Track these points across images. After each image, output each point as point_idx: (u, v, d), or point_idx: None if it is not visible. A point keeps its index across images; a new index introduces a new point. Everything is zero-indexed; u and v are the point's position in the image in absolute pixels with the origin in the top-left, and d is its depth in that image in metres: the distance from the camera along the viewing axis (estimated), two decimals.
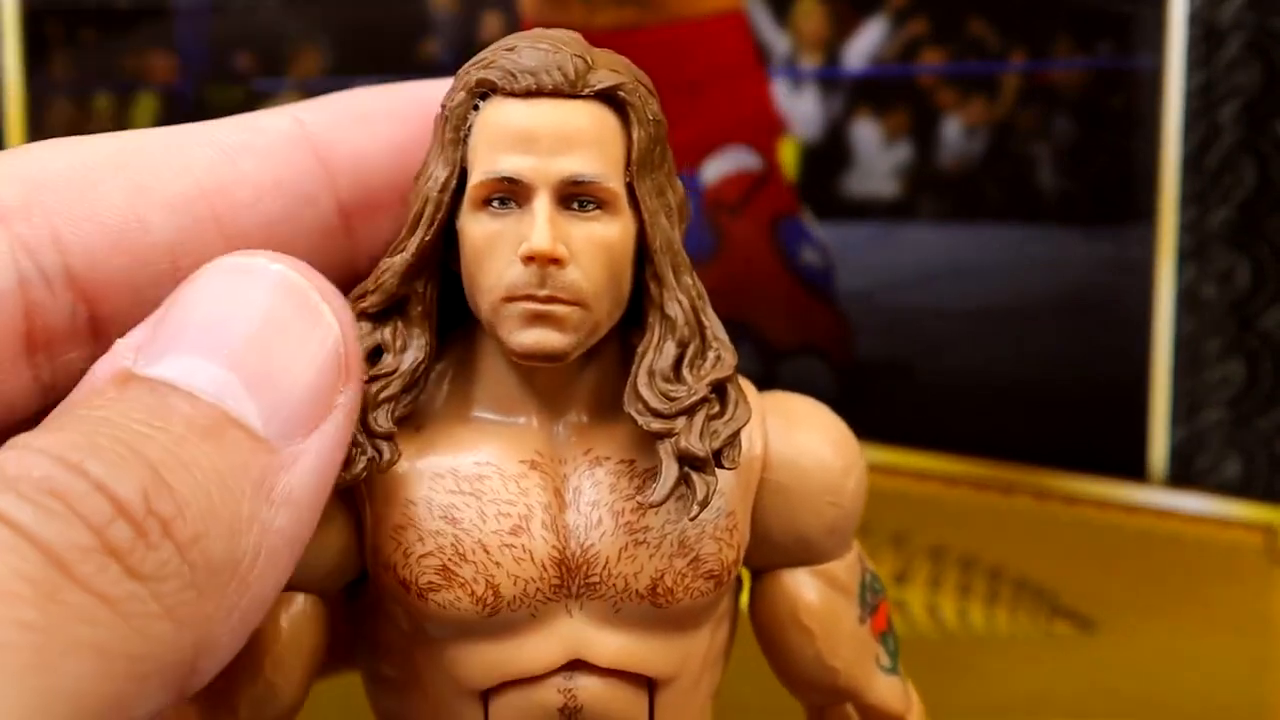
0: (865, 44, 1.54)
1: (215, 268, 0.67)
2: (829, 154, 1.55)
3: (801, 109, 1.55)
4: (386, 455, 0.71)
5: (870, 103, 1.55)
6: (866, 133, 1.55)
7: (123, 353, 0.64)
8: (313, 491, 0.65)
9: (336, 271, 0.79)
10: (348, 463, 0.70)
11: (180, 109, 1.52)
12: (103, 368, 0.65)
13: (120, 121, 1.50)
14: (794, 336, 1.55)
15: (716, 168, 1.51)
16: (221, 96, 1.52)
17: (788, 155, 1.56)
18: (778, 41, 1.54)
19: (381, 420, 0.72)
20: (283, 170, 0.77)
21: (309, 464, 0.65)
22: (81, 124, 1.50)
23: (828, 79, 1.55)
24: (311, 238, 0.78)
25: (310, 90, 1.53)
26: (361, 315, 0.74)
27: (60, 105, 1.49)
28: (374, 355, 0.73)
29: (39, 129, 1.46)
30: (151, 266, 0.72)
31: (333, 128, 0.79)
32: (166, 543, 0.58)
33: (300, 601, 0.74)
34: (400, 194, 0.78)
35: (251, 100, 1.53)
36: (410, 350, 0.74)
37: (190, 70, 1.52)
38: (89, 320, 0.72)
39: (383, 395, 0.72)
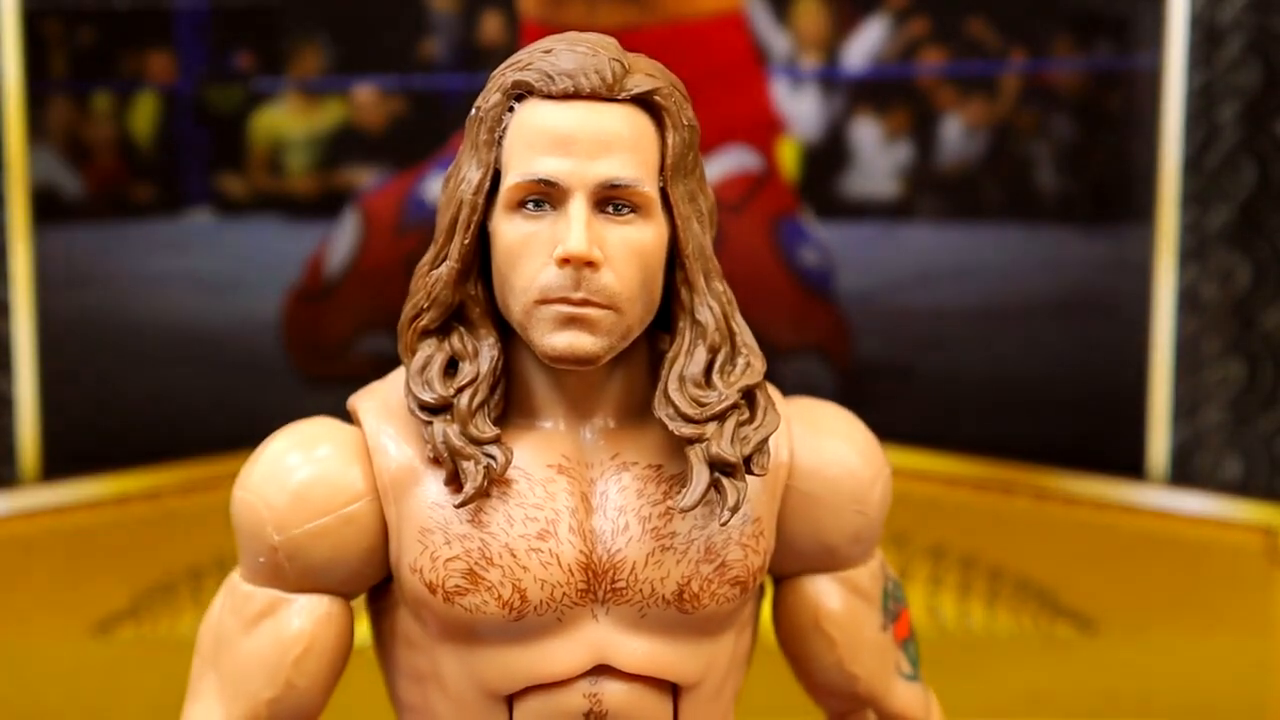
0: (865, 44, 1.54)
1: None
2: (829, 154, 1.55)
3: (801, 109, 1.55)
4: (500, 458, 0.72)
5: (870, 103, 1.55)
6: (866, 133, 1.55)
7: None
8: None
9: None
10: (465, 480, 0.71)
11: (180, 109, 1.52)
12: None
13: (120, 121, 1.50)
14: (794, 336, 1.55)
15: (716, 168, 1.51)
16: (221, 96, 1.52)
17: (788, 155, 1.56)
18: (778, 41, 1.54)
19: (483, 426, 0.72)
20: None
21: None
22: (81, 123, 1.49)
23: (828, 79, 1.55)
24: None
25: (310, 90, 1.52)
26: (424, 333, 0.74)
27: (60, 105, 1.49)
28: (450, 367, 0.73)
29: (39, 129, 1.45)
30: None
31: None
32: None
33: (324, 604, 0.74)
34: None
35: (251, 100, 1.52)
36: (483, 351, 0.74)
37: (190, 70, 1.51)
38: None
39: (476, 403, 0.72)
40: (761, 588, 0.78)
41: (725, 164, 1.54)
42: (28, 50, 1.43)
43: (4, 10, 1.41)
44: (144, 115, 1.51)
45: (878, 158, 1.54)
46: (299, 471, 0.74)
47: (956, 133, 1.54)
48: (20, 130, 1.43)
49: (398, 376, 0.76)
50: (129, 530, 1.47)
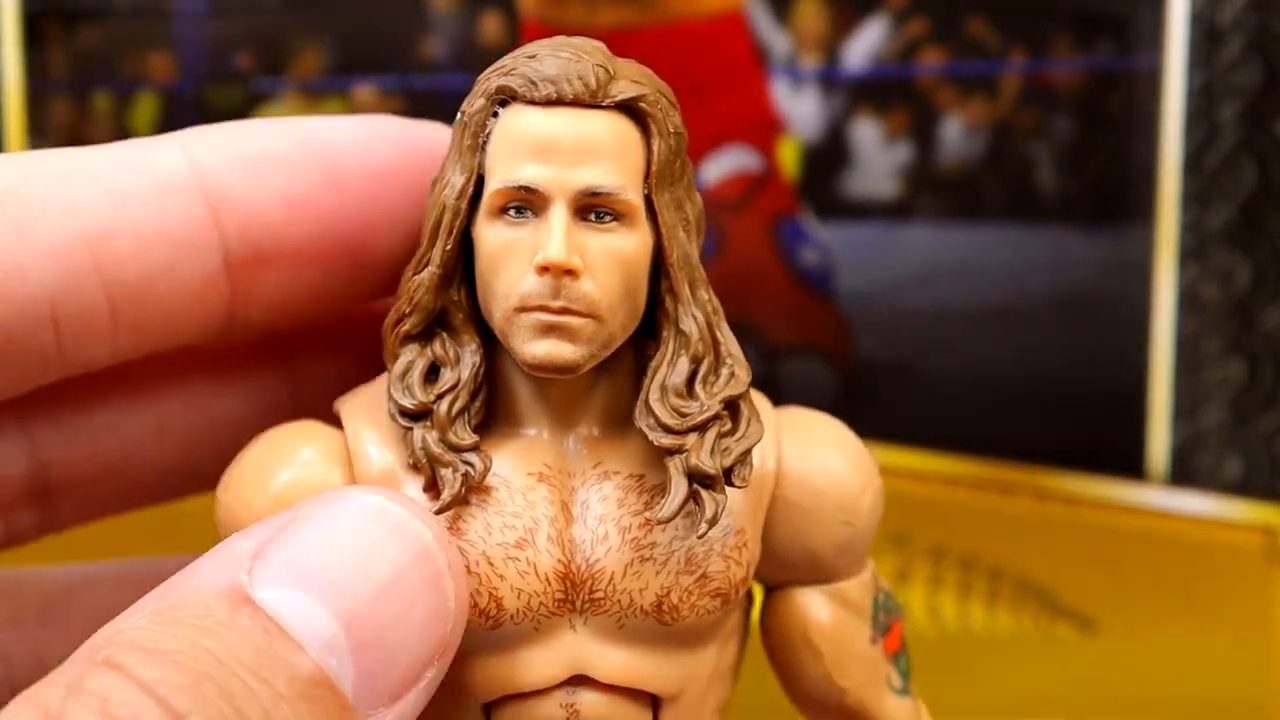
0: (865, 44, 1.54)
1: (356, 502, 0.65)
2: (829, 154, 1.55)
3: (801, 109, 1.55)
4: (479, 466, 0.71)
5: (870, 103, 1.54)
6: (866, 133, 1.55)
7: (239, 558, 0.62)
8: None
9: (214, 321, 0.76)
10: (443, 487, 0.70)
11: (180, 109, 1.52)
12: (216, 570, 0.62)
13: (120, 121, 1.50)
14: (794, 336, 1.55)
15: (716, 168, 1.51)
16: (221, 96, 1.52)
17: (788, 155, 1.56)
18: (778, 41, 1.54)
19: (462, 433, 0.72)
20: (170, 218, 0.73)
21: None
22: (81, 124, 1.49)
23: (828, 79, 1.55)
24: (192, 286, 0.75)
25: (310, 90, 1.52)
26: (406, 338, 0.74)
27: (60, 105, 1.49)
28: (432, 373, 0.73)
29: (39, 129, 1.46)
30: (29, 316, 0.69)
31: (225, 173, 0.75)
32: None
33: None
34: (288, 249, 0.76)
35: (251, 100, 1.52)
36: (465, 358, 0.73)
37: (190, 70, 1.51)
38: None
39: (455, 409, 0.72)
40: (750, 598, 0.78)
41: (725, 164, 1.54)
42: (28, 50, 1.43)
43: (4, 10, 1.42)
44: (144, 115, 1.51)
45: (878, 158, 1.54)
46: (280, 474, 0.73)
47: (956, 133, 1.53)
48: (20, 130, 1.43)
49: (383, 380, 0.75)
50: (129, 530, 1.47)
